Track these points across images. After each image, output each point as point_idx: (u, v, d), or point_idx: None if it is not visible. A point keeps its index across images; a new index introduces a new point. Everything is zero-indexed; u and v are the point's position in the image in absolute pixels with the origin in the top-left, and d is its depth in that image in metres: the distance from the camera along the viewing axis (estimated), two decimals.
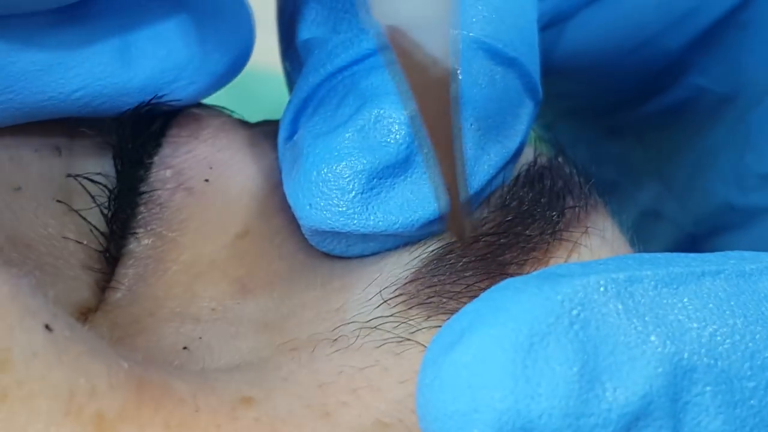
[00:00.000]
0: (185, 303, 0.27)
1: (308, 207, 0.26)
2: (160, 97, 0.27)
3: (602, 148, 0.42)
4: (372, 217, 0.25)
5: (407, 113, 0.24)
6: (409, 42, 0.22)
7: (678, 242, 0.40)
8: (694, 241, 0.39)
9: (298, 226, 0.27)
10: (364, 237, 0.26)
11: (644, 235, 0.40)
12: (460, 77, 0.23)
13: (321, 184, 0.25)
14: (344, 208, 0.25)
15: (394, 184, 0.26)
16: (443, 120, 0.23)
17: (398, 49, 0.22)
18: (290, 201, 0.26)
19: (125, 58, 0.26)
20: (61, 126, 0.28)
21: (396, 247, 0.27)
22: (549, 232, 0.26)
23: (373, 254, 0.26)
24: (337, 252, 0.26)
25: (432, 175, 0.25)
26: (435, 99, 0.23)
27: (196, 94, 0.27)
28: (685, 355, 0.20)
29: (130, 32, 0.26)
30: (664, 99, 0.39)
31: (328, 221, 0.25)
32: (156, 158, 0.28)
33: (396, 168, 0.26)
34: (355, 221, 0.25)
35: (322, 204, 0.25)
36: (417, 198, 0.26)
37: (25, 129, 0.27)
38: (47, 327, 0.21)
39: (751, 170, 0.37)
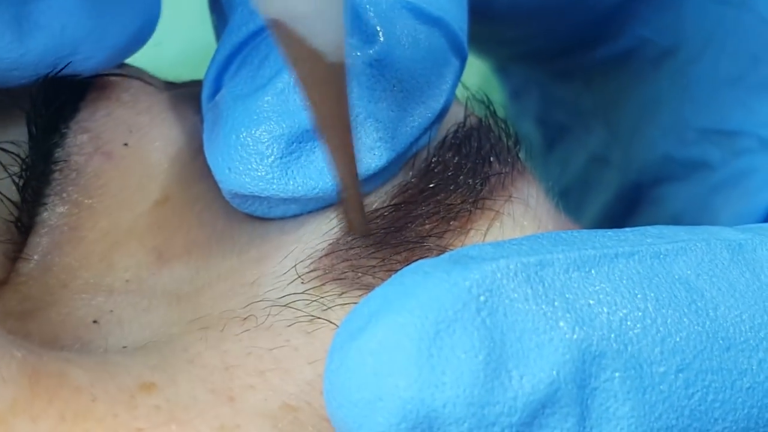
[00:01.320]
0: (100, 273, 0.26)
1: (227, 171, 0.25)
2: (58, 71, 0.26)
3: (552, 91, 0.42)
4: (291, 182, 0.25)
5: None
6: (294, 34, 0.21)
7: (623, 190, 0.40)
8: (638, 190, 0.39)
9: (220, 194, 0.26)
10: (285, 200, 0.26)
11: (592, 181, 0.40)
12: (347, 70, 0.23)
13: (240, 148, 0.25)
14: (263, 173, 0.25)
15: (314, 148, 0.25)
16: (333, 109, 0.23)
17: (284, 41, 0.22)
18: (210, 164, 0.26)
19: (18, 31, 0.25)
20: None
21: (317, 211, 0.26)
22: (471, 200, 0.26)
23: (295, 216, 0.26)
24: (259, 213, 0.26)
25: (332, 165, 0.24)
26: (324, 89, 0.22)
27: (95, 68, 0.27)
28: (594, 341, 0.20)
29: (23, 5, 0.25)
30: (608, 47, 0.38)
31: (248, 186, 0.25)
32: (72, 123, 0.28)
33: (315, 132, 0.25)
34: (275, 186, 0.25)
35: (241, 168, 0.25)
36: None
37: None
38: None
39: (690, 124, 0.37)
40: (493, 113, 0.28)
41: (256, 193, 0.25)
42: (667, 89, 0.37)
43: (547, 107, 0.43)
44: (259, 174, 0.25)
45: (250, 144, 0.25)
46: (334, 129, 0.23)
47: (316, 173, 0.25)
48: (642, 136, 0.38)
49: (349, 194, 0.25)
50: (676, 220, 0.37)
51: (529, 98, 0.43)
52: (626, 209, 0.39)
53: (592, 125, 0.41)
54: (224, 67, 0.27)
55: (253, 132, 0.25)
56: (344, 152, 0.24)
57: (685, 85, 0.37)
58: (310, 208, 0.26)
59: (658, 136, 0.38)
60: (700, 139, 0.37)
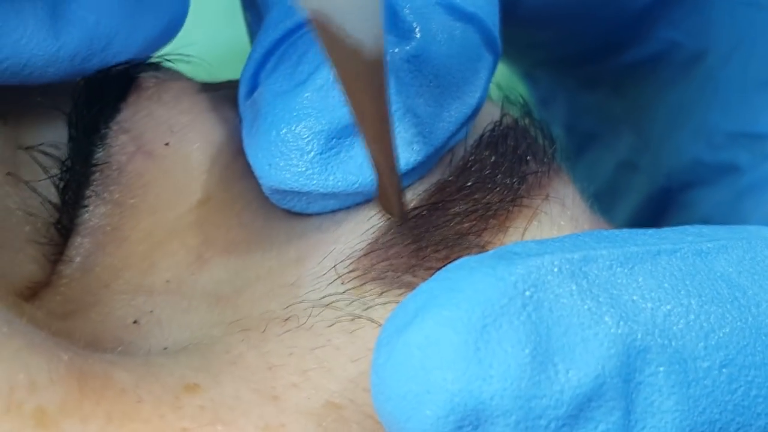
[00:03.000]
0: (142, 274, 0.27)
1: (268, 167, 0.26)
2: (89, 64, 0.27)
3: (580, 98, 0.42)
4: (331, 177, 0.26)
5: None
6: (334, 28, 0.22)
7: (652, 195, 0.40)
8: (667, 195, 0.40)
9: (259, 193, 0.27)
10: (324, 195, 0.26)
11: (621, 187, 0.40)
12: (387, 62, 0.23)
13: (280, 144, 0.26)
14: (303, 168, 0.26)
15: (354, 143, 0.26)
16: (372, 104, 0.23)
17: (323, 37, 0.22)
18: (250, 160, 0.26)
19: (53, 27, 0.26)
20: (6, 93, 0.27)
21: (355, 210, 0.27)
22: (509, 199, 0.26)
23: (333, 214, 0.27)
24: (298, 209, 0.27)
25: (370, 157, 0.25)
26: (363, 84, 0.23)
27: (126, 61, 0.27)
28: (639, 336, 0.20)
29: (58, 1, 0.26)
30: (637, 51, 0.39)
31: (288, 181, 0.26)
32: (113, 124, 0.28)
33: (355, 128, 0.26)
34: (315, 181, 0.26)
35: (281, 164, 0.26)
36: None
37: None
38: None
39: (720, 128, 0.37)
40: (529, 113, 0.29)
41: (296, 189, 0.26)
42: (696, 93, 0.38)
43: (575, 114, 0.43)
44: (300, 169, 0.25)
45: (291, 140, 0.25)
46: (373, 123, 0.24)
47: (356, 168, 0.26)
48: (671, 140, 0.38)
49: (388, 185, 0.25)
50: (705, 224, 0.37)
51: (557, 105, 0.43)
52: (655, 214, 0.40)
53: (620, 131, 0.41)
54: (261, 64, 0.27)
55: (293, 128, 0.25)
56: (383, 146, 0.24)
57: (715, 88, 0.37)
58: (349, 203, 0.26)
59: (687, 140, 0.38)
60: (729, 143, 0.37)
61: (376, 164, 0.25)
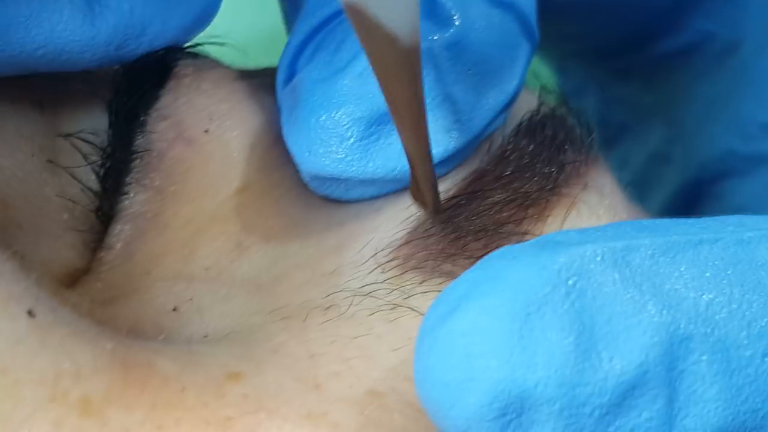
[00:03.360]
0: (182, 261, 0.27)
1: (307, 153, 0.26)
2: (125, 50, 0.27)
3: (612, 90, 0.43)
4: (371, 164, 0.26)
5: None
6: (369, 16, 0.22)
7: (684, 186, 0.40)
8: (699, 186, 0.40)
9: (297, 181, 0.27)
10: (363, 182, 0.26)
11: (653, 178, 0.40)
12: (421, 52, 0.24)
13: (319, 131, 0.26)
14: (343, 155, 0.26)
15: (392, 130, 0.26)
16: (406, 93, 0.23)
17: (358, 25, 0.22)
18: (289, 147, 0.26)
19: (88, 14, 0.26)
20: (44, 81, 0.28)
21: (393, 197, 0.27)
22: (548, 188, 0.26)
23: (371, 201, 0.27)
24: (336, 195, 0.27)
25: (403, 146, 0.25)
26: (398, 73, 0.23)
27: (161, 46, 0.27)
28: (682, 324, 0.20)
29: None
30: (671, 42, 0.39)
31: (327, 168, 0.26)
32: (152, 111, 0.28)
33: (390, 116, 0.26)
34: (354, 168, 0.26)
35: (320, 151, 0.26)
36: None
37: (0, 83, 0.27)
38: (30, 313, 0.21)
39: (754, 119, 0.37)
40: (566, 102, 0.29)
41: (336, 175, 0.26)
42: (730, 84, 0.38)
43: (606, 106, 0.43)
44: (339, 156, 0.26)
45: (330, 127, 0.26)
46: (407, 113, 0.24)
47: (395, 155, 0.26)
48: (704, 132, 0.38)
49: (422, 176, 0.25)
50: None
51: (588, 98, 0.43)
52: (688, 206, 0.40)
53: (652, 123, 0.41)
54: (299, 51, 0.27)
55: (332, 115, 0.26)
56: (417, 135, 0.24)
57: (749, 79, 0.37)
58: (388, 190, 0.26)
59: (720, 131, 0.38)
60: (762, 134, 0.37)
61: (410, 154, 0.25)
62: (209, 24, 0.29)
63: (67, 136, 0.27)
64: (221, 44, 0.30)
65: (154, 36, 0.27)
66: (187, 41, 0.28)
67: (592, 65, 0.42)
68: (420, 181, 0.25)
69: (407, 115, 0.24)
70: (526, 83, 0.30)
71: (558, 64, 0.44)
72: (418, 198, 0.26)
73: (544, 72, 0.45)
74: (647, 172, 0.41)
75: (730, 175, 0.38)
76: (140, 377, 0.22)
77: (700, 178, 0.39)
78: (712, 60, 0.38)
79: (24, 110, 0.27)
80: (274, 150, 0.28)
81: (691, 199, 0.40)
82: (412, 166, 0.25)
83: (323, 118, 0.26)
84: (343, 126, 0.26)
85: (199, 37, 0.29)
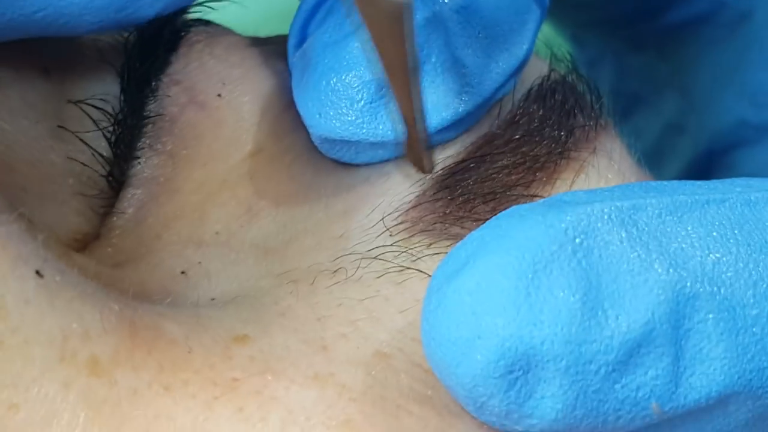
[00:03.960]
0: (193, 225, 0.27)
1: (318, 116, 0.26)
2: (125, 13, 0.26)
3: (626, 60, 0.43)
4: (381, 126, 0.26)
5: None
6: None
7: (697, 157, 0.40)
8: (712, 156, 0.40)
9: (309, 146, 0.27)
10: (373, 145, 0.26)
11: (667, 149, 0.40)
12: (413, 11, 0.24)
13: (330, 93, 0.26)
14: (353, 117, 0.26)
15: None
16: (397, 53, 0.23)
17: None
18: (300, 110, 0.26)
19: None
20: (50, 47, 0.28)
21: (402, 162, 0.27)
22: (557, 151, 0.27)
23: (381, 165, 0.27)
24: (346, 159, 0.27)
25: (393, 105, 0.25)
26: (389, 33, 0.23)
27: (161, 10, 0.26)
28: (688, 283, 0.21)
29: None
30: (683, 11, 0.39)
31: (338, 130, 0.26)
32: (164, 76, 0.28)
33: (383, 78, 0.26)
34: (364, 130, 0.26)
35: (331, 113, 0.26)
36: (426, 107, 0.26)
37: (2, 50, 0.27)
38: (38, 273, 0.21)
39: (764, 88, 0.37)
40: (576, 69, 0.29)
41: (346, 138, 0.26)
42: (741, 53, 0.38)
43: (621, 76, 0.43)
44: (350, 118, 0.26)
45: (341, 89, 0.26)
46: (399, 70, 0.24)
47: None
48: (715, 101, 0.38)
49: (415, 137, 0.25)
50: None
51: (604, 68, 0.43)
52: (701, 177, 0.40)
53: (666, 93, 0.41)
54: (310, 16, 0.28)
55: (343, 78, 0.26)
56: (407, 96, 0.24)
57: (760, 48, 0.37)
58: (397, 153, 0.27)
59: (731, 101, 0.38)
60: None
61: (403, 113, 0.25)
62: None
63: (77, 102, 0.28)
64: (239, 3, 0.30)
65: None
66: (185, 4, 0.28)
67: (607, 35, 0.42)
68: (412, 139, 0.25)
69: (399, 74, 0.24)
70: (537, 51, 0.30)
71: (573, 34, 0.44)
72: (413, 160, 0.26)
73: (559, 43, 0.45)
74: (661, 143, 0.41)
75: (742, 145, 0.38)
76: (147, 339, 0.22)
77: (713, 148, 0.39)
78: (723, 29, 0.38)
79: (28, 76, 0.27)
80: (286, 115, 0.28)
81: (705, 169, 0.40)
82: (406, 126, 0.25)
83: (334, 80, 0.26)
84: (353, 88, 0.26)
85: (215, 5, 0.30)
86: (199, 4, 0.29)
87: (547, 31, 0.45)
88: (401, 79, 0.24)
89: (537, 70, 0.29)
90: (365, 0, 0.23)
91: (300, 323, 0.24)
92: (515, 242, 0.20)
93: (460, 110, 0.26)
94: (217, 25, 0.30)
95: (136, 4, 0.26)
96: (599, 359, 0.20)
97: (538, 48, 0.30)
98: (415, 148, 0.26)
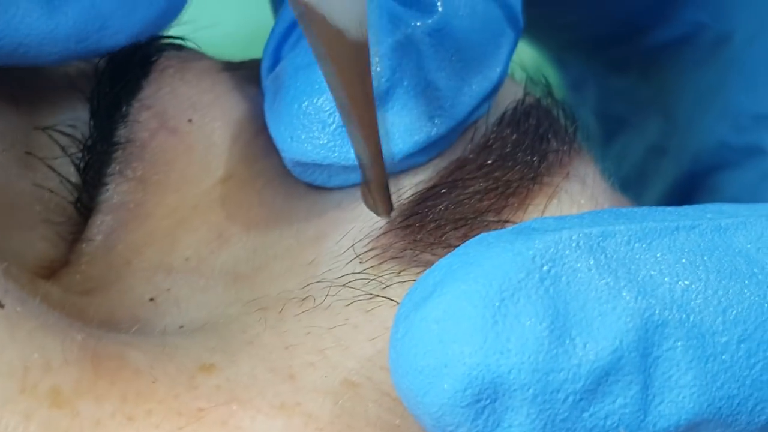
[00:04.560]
0: (163, 251, 0.27)
1: (290, 140, 0.26)
2: (87, 44, 0.26)
3: (610, 82, 0.43)
4: (352, 150, 0.26)
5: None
6: (315, 12, 0.22)
7: (679, 179, 0.40)
8: (694, 178, 0.40)
9: (281, 171, 0.27)
10: (346, 168, 0.26)
11: (650, 171, 0.41)
12: (370, 47, 0.24)
13: (302, 116, 0.26)
14: (325, 141, 0.26)
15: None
16: (355, 92, 0.24)
17: (305, 20, 0.22)
18: (272, 133, 0.27)
19: (46, 7, 0.25)
20: (18, 75, 0.28)
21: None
22: (529, 176, 0.27)
23: (353, 190, 0.27)
24: (319, 182, 0.27)
25: (354, 142, 0.25)
26: (346, 69, 0.23)
27: (124, 40, 0.27)
28: (657, 310, 0.21)
29: None
30: (664, 32, 0.39)
31: (309, 154, 0.26)
32: (135, 101, 0.28)
33: (376, 100, 0.26)
34: (336, 154, 0.26)
35: (303, 137, 0.26)
36: (398, 131, 0.26)
37: None
38: None
39: (746, 110, 0.37)
40: (551, 93, 0.29)
41: (318, 162, 0.26)
42: (721, 75, 0.38)
43: (605, 99, 0.43)
44: (321, 142, 0.26)
45: (313, 112, 0.26)
46: (357, 107, 0.24)
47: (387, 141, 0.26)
48: (697, 123, 0.39)
49: (374, 176, 0.25)
50: None
51: (588, 90, 0.44)
52: (683, 199, 0.40)
53: (649, 115, 0.41)
54: (283, 38, 0.28)
55: (315, 101, 0.26)
56: (368, 131, 0.25)
57: (740, 70, 0.37)
58: None
59: (712, 123, 0.38)
60: (755, 125, 0.37)
61: (359, 155, 0.25)
62: (175, 18, 0.28)
63: (45, 129, 0.28)
64: (211, 37, 0.30)
65: (116, 30, 0.26)
66: (149, 36, 0.28)
67: (589, 56, 0.42)
68: (370, 183, 0.26)
69: (357, 113, 0.24)
70: (513, 74, 0.30)
71: (557, 56, 0.45)
72: (368, 201, 0.26)
73: (542, 66, 0.45)
74: (645, 165, 0.42)
75: (723, 167, 0.38)
76: (111, 369, 0.22)
77: (695, 171, 0.39)
78: (704, 51, 0.38)
79: None
80: (257, 140, 0.28)
81: (687, 191, 0.40)
82: (361, 168, 0.25)
83: (305, 104, 0.26)
84: (325, 112, 0.26)
85: (186, 29, 0.30)
86: (165, 37, 0.29)
87: (531, 53, 0.45)
88: (358, 117, 0.24)
89: (511, 94, 0.29)
90: (320, 36, 0.23)
91: (267, 352, 0.24)
92: (482, 270, 0.20)
93: (432, 134, 0.26)
94: (190, 50, 0.30)
95: (98, 35, 0.26)
96: (567, 388, 0.20)
97: (514, 71, 0.30)
98: (372, 189, 0.26)
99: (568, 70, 0.45)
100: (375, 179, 0.25)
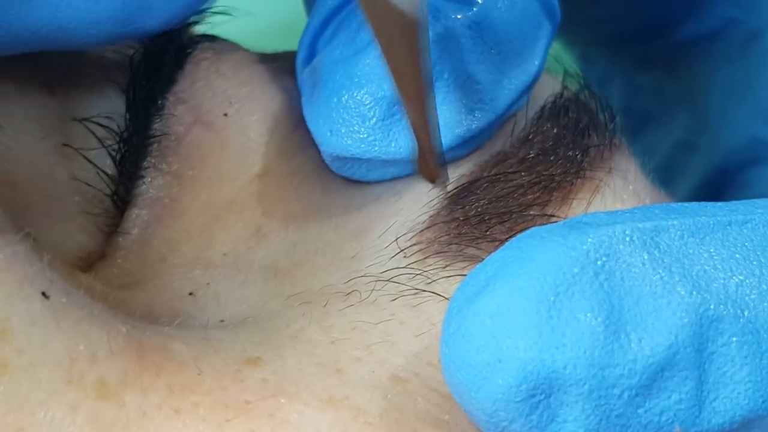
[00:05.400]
0: (200, 247, 0.27)
1: (329, 133, 0.26)
2: (130, 26, 0.26)
3: (636, 79, 0.43)
4: (393, 144, 0.26)
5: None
6: None
7: (710, 175, 0.40)
8: (725, 174, 0.40)
9: (318, 166, 0.27)
10: (385, 162, 0.26)
11: (680, 167, 0.41)
12: (428, 26, 0.24)
13: (342, 110, 0.26)
14: (365, 135, 0.26)
15: None
16: (412, 68, 0.24)
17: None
18: (310, 127, 0.27)
19: None
20: (55, 63, 0.28)
21: (414, 181, 0.27)
22: (573, 171, 0.27)
23: (392, 184, 0.27)
24: (358, 176, 0.27)
25: (407, 119, 0.25)
26: (402, 47, 0.23)
27: (166, 22, 0.26)
28: (711, 306, 0.21)
29: None
30: (694, 28, 0.39)
31: (350, 148, 0.26)
32: (170, 95, 0.28)
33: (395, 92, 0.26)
34: (377, 147, 0.26)
35: (343, 131, 0.26)
36: (438, 124, 0.26)
37: (6, 65, 0.27)
38: (44, 294, 0.21)
39: None
40: (588, 87, 0.29)
41: (358, 156, 0.26)
42: (754, 71, 0.38)
43: (631, 95, 0.43)
44: (362, 136, 0.26)
45: (353, 106, 0.26)
46: (409, 86, 0.24)
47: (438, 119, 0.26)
48: (728, 119, 0.39)
49: (427, 151, 0.26)
50: None
51: (613, 86, 0.44)
52: (714, 195, 0.40)
53: (676, 111, 0.41)
54: (320, 31, 0.28)
55: (355, 94, 0.26)
56: (419, 109, 0.25)
57: None
58: (409, 170, 0.27)
59: (745, 119, 0.38)
60: None
61: (415, 127, 0.25)
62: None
63: (82, 120, 0.28)
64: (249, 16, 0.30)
65: (158, 11, 0.26)
66: (191, 15, 0.28)
67: (616, 53, 0.42)
68: (426, 153, 0.26)
69: (412, 88, 0.24)
70: (549, 68, 0.30)
71: (582, 52, 0.45)
72: (425, 174, 0.26)
73: (567, 61, 0.45)
74: (673, 161, 0.42)
75: (756, 163, 0.38)
76: (156, 361, 0.22)
77: (726, 166, 0.39)
78: (735, 47, 0.38)
79: (32, 92, 0.27)
80: (295, 134, 0.28)
81: (718, 187, 0.40)
82: (418, 140, 0.25)
83: (345, 97, 0.26)
84: (365, 105, 0.26)
85: (220, 20, 0.30)
86: (206, 16, 0.29)
87: (557, 48, 0.45)
88: (415, 93, 0.24)
89: (549, 87, 0.29)
90: (378, 15, 0.23)
91: (313, 346, 0.24)
92: (536, 264, 0.20)
93: (473, 127, 0.26)
94: (224, 41, 0.30)
95: (142, 17, 0.26)
96: (622, 383, 0.20)
97: (550, 65, 0.30)
98: (429, 162, 0.26)
99: (593, 66, 0.45)
100: (429, 153, 0.25)
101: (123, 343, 0.22)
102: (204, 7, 0.28)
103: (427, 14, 0.23)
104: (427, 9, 0.23)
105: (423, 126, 0.25)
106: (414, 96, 0.24)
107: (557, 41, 0.43)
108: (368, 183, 0.27)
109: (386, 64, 0.24)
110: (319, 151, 0.27)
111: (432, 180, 0.26)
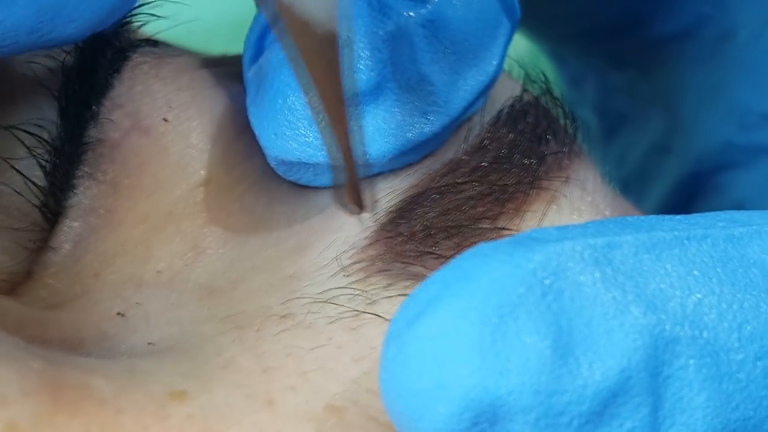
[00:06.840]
0: (136, 261, 0.26)
1: (274, 137, 0.25)
2: (49, 35, 0.25)
3: (610, 78, 0.42)
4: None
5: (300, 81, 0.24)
6: (284, 3, 0.22)
7: (684, 178, 0.40)
8: (698, 178, 0.39)
9: (263, 175, 0.26)
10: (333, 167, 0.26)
11: (653, 170, 0.40)
12: (348, 39, 0.23)
13: (287, 112, 0.25)
14: (311, 138, 0.25)
15: (365, 112, 0.25)
16: (325, 83, 0.23)
17: (283, 11, 0.22)
18: (255, 130, 0.26)
19: None
20: None
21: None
22: (527, 180, 0.26)
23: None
24: (304, 182, 0.26)
25: (326, 140, 0.24)
26: (315, 62, 0.23)
27: (88, 29, 0.25)
28: (667, 327, 0.20)
29: None
30: (667, 25, 0.38)
31: (295, 152, 0.25)
32: (106, 100, 0.27)
33: (366, 96, 0.25)
34: (323, 152, 0.25)
35: (288, 134, 0.25)
36: (389, 127, 0.26)
37: None
38: None
39: (752, 108, 0.37)
40: (550, 91, 0.28)
41: (304, 160, 0.25)
42: (727, 72, 0.37)
43: (605, 95, 0.43)
44: (308, 140, 0.25)
45: (298, 108, 0.25)
46: (327, 101, 0.23)
47: (367, 138, 0.25)
48: (702, 122, 0.38)
49: (345, 170, 0.24)
50: (738, 208, 0.37)
51: (587, 86, 0.43)
52: (687, 198, 0.39)
53: (651, 113, 0.41)
54: (267, 28, 0.27)
55: (300, 96, 0.25)
56: (337, 125, 0.24)
57: (746, 68, 0.37)
58: (359, 174, 0.26)
59: (718, 121, 0.38)
60: (761, 124, 0.37)
61: (330, 145, 0.24)
62: (132, 6, 0.27)
63: (8, 127, 0.27)
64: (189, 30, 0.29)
65: (71, 18, 0.25)
66: (106, 26, 0.26)
67: (587, 51, 0.42)
68: (349, 176, 0.24)
69: (326, 103, 0.23)
70: (510, 71, 0.29)
71: (553, 50, 0.44)
72: (339, 200, 0.25)
73: (540, 61, 0.45)
74: (647, 164, 0.41)
75: (729, 167, 0.38)
76: (72, 400, 0.21)
77: (699, 170, 0.39)
78: (708, 47, 0.38)
79: None
80: (239, 141, 0.27)
81: (692, 191, 0.39)
82: (334, 165, 0.25)
83: (291, 98, 0.25)
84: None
85: (164, 24, 0.29)
86: (146, 21, 0.29)
87: (529, 47, 0.45)
88: (329, 109, 0.24)
89: (508, 91, 0.28)
90: (290, 26, 0.22)
91: (244, 376, 0.23)
92: (480, 284, 0.20)
93: (425, 130, 0.26)
94: (167, 45, 0.29)
95: (49, 26, 0.24)
96: (571, 410, 0.19)
97: (511, 68, 0.29)
98: (350, 187, 0.25)
99: (567, 65, 0.44)
100: (349, 176, 0.24)
101: (35, 381, 0.21)
102: (133, 12, 0.27)
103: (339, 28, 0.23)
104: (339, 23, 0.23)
105: (346, 147, 0.24)
106: (332, 113, 0.24)
107: (526, 38, 0.43)
108: (315, 190, 0.26)
109: (300, 81, 0.23)
110: (264, 160, 0.26)
111: (349, 208, 0.25)
